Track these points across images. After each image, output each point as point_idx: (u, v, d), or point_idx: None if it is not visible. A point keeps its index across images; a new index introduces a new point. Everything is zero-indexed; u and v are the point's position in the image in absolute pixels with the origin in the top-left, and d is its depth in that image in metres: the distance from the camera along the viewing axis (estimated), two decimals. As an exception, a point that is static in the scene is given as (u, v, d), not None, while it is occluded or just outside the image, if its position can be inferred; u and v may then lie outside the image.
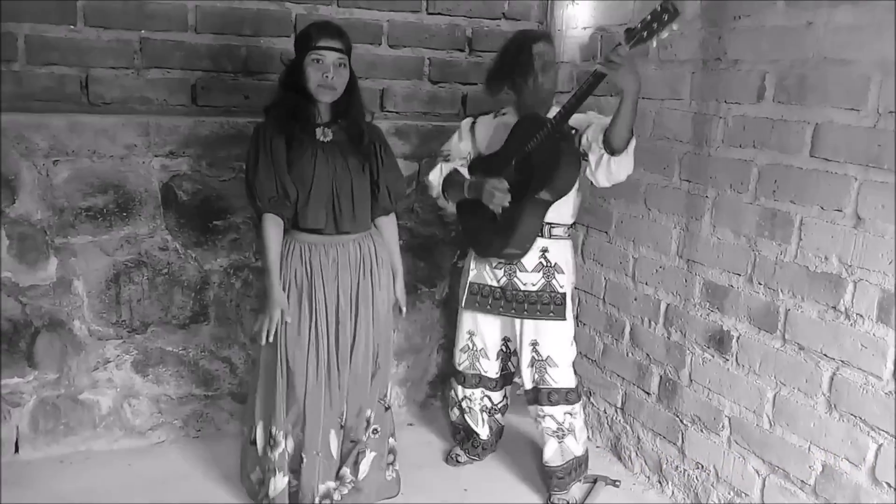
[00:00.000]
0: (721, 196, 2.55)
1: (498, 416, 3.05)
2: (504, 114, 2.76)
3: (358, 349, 2.51)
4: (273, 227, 2.39)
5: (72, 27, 2.72)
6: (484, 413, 3.00)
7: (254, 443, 2.58)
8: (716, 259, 2.59)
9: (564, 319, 2.72)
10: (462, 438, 3.11)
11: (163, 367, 3.01)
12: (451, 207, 2.85)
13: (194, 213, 2.92)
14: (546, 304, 2.70)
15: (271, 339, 2.40)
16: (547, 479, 2.82)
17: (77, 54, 2.74)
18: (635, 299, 2.98)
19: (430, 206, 3.27)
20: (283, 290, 2.41)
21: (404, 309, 2.71)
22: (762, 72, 2.36)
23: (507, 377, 3.03)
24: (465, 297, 2.83)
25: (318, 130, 2.40)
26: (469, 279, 2.82)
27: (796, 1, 2.24)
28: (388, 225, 2.64)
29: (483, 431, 3.02)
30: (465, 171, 2.75)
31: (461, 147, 2.83)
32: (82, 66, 2.76)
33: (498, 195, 2.54)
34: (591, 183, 2.57)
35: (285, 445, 2.50)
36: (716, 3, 2.50)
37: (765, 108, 2.36)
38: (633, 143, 2.43)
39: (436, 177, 2.79)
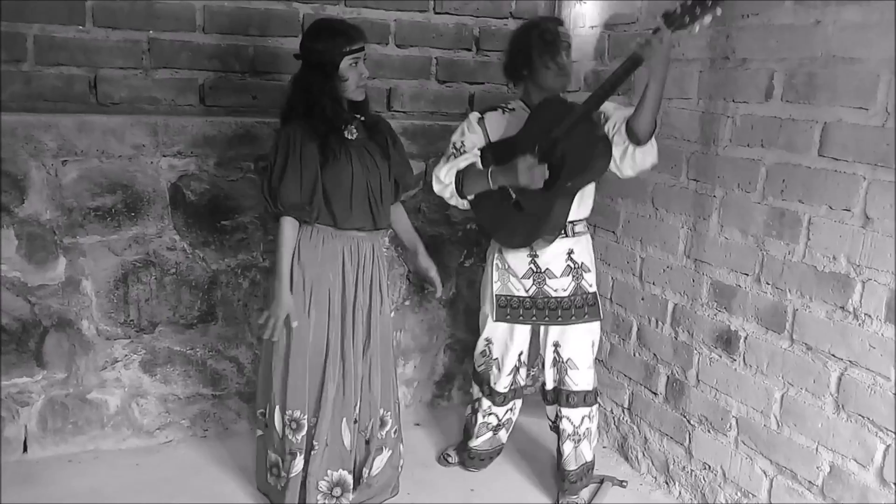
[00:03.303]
0: (729, 195, 2.54)
1: (501, 432, 2.99)
2: (512, 109, 2.66)
3: (374, 347, 2.53)
4: (292, 230, 2.40)
5: (80, 27, 2.73)
6: (485, 428, 2.94)
7: (268, 425, 2.57)
8: (723, 259, 2.58)
9: (601, 318, 2.71)
10: (461, 439, 3.08)
11: (170, 366, 3.02)
12: (464, 204, 2.69)
13: (202, 213, 2.93)
14: (580, 308, 2.66)
15: (275, 339, 2.42)
16: (561, 481, 2.79)
17: (86, 54, 2.75)
18: (642, 299, 2.98)
19: (436, 206, 3.27)
20: (314, 285, 2.42)
21: (438, 283, 2.77)
22: (770, 70, 2.35)
23: (517, 391, 2.96)
24: (494, 310, 2.74)
25: (345, 130, 2.42)
26: (494, 292, 2.73)
27: (804, -1, 2.24)
28: (397, 209, 2.70)
29: (475, 442, 2.96)
30: (479, 164, 2.64)
31: (474, 140, 2.65)
32: (91, 66, 2.77)
33: (536, 171, 2.42)
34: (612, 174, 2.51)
35: (307, 430, 2.50)
36: (724, 1, 2.49)
37: (773, 106, 2.36)
38: (656, 131, 2.38)
39: (446, 173, 2.62)
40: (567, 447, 2.74)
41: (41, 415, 2.89)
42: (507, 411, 2.96)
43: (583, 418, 2.73)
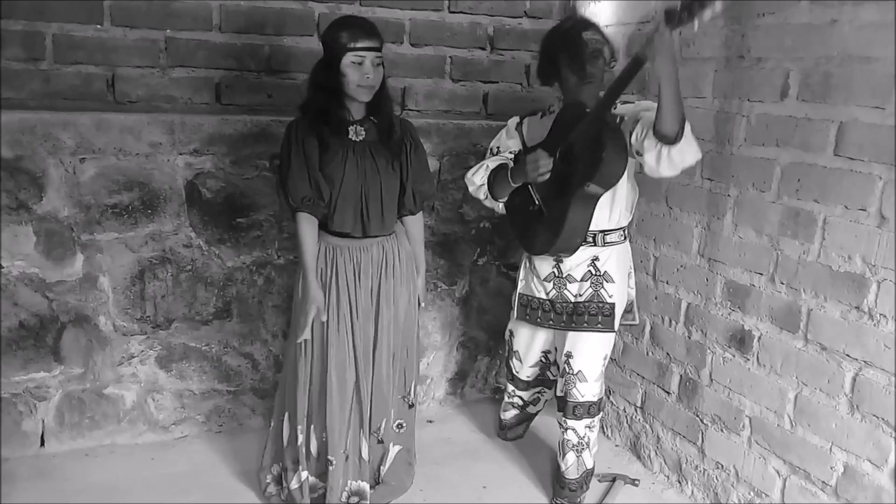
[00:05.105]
0: (743, 195, 2.54)
1: (529, 408, 3.15)
2: (552, 111, 2.60)
3: (381, 350, 2.51)
4: (308, 225, 2.38)
5: (98, 26, 2.75)
6: (511, 406, 3.14)
7: (279, 435, 2.60)
8: (737, 258, 2.58)
9: (613, 331, 2.64)
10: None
11: (186, 362, 3.05)
12: (500, 207, 2.69)
13: (218, 211, 2.95)
14: (594, 315, 2.61)
15: (308, 337, 2.41)
16: (559, 488, 2.79)
17: (103, 53, 2.78)
18: (656, 298, 2.98)
19: (450, 205, 3.28)
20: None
21: (423, 304, 2.71)
22: (786, 69, 2.35)
23: (545, 381, 3.03)
24: (516, 308, 2.81)
25: (351, 129, 2.37)
26: (518, 290, 2.79)
27: (821, -2, 2.23)
28: (415, 223, 2.62)
29: (503, 415, 3.18)
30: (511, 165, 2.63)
31: (509, 144, 2.69)
32: (109, 64, 2.80)
33: (542, 162, 2.38)
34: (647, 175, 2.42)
35: (305, 441, 2.52)
36: (740, 0, 2.49)
37: (788, 106, 2.35)
38: (688, 126, 2.24)
39: (480, 176, 2.66)
40: (570, 457, 2.74)
41: (58, 409, 2.92)
42: (532, 394, 3.10)
43: (586, 428, 2.72)
